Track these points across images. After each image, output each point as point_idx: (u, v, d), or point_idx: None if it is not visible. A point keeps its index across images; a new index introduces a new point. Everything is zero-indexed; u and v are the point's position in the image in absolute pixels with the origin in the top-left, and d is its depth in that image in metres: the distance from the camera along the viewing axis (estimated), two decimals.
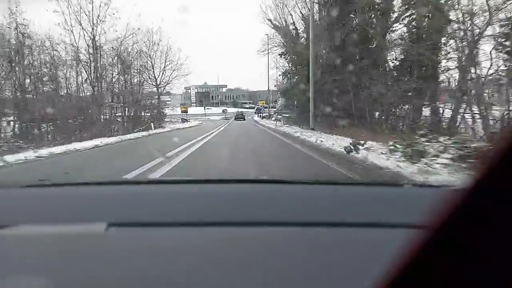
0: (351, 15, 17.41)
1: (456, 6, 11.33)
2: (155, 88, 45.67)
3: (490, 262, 0.30)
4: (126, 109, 24.60)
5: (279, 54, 30.31)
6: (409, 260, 0.32)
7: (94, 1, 20.54)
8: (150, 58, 46.95)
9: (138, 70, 37.53)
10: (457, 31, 11.57)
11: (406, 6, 14.81)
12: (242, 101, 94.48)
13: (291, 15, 26.96)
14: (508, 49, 9.93)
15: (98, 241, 0.82)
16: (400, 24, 15.68)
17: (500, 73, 10.61)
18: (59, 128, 17.67)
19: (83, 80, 21.20)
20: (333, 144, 10.20)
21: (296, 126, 21.83)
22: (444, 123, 12.37)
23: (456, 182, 1.67)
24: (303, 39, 25.49)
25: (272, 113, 45.09)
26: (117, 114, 23.62)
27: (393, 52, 16.16)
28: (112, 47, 22.25)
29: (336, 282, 0.64)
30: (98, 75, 21.43)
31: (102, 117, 21.25)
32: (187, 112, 40.83)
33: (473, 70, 10.99)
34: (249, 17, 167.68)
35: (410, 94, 13.66)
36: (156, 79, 47.05)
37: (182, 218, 0.95)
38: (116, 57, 23.06)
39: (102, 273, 0.66)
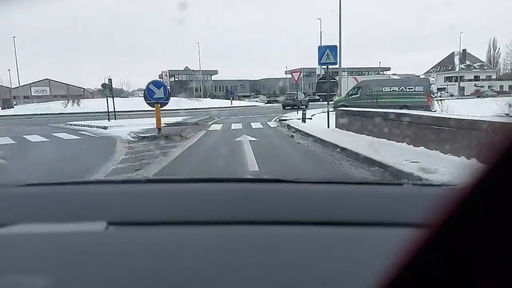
0: None
1: None
2: None
3: (491, 261, 0.29)
4: None
5: None
6: (410, 259, 0.31)
7: None
8: None
9: None
10: None
11: None
12: (241, 93, 66.57)
13: None
14: None
15: (98, 240, 0.81)
16: None
17: None
18: None
19: None
20: None
21: None
22: None
23: (457, 180, 1.12)
24: None
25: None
26: None
27: None
28: None
29: (336, 281, 0.65)
30: None
31: None
32: None
33: None
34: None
35: None
36: None
37: (182, 217, 0.94)
38: None
39: (102, 272, 0.67)
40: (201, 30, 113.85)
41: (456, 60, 73.05)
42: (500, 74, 73.56)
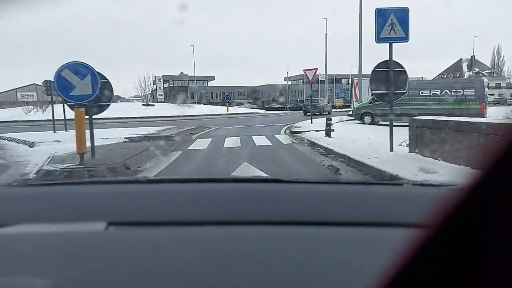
0: None
1: None
2: None
3: (491, 261, 0.29)
4: None
5: None
6: (409, 259, 0.31)
7: None
8: None
9: None
10: None
11: None
12: (239, 100, 63.55)
13: None
14: None
15: (98, 240, 0.81)
16: None
17: None
18: None
19: None
20: None
21: None
22: None
23: (456, 180, 0.94)
24: None
25: None
26: None
27: None
28: None
29: (336, 281, 0.65)
30: None
31: None
32: None
33: None
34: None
35: None
36: None
37: (182, 217, 0.94)
38: None
39: (102, 272, 0.67)
40: (199, 37, 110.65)
41: (464, 67, 69.70)
42: (506, 82, 70.27)
